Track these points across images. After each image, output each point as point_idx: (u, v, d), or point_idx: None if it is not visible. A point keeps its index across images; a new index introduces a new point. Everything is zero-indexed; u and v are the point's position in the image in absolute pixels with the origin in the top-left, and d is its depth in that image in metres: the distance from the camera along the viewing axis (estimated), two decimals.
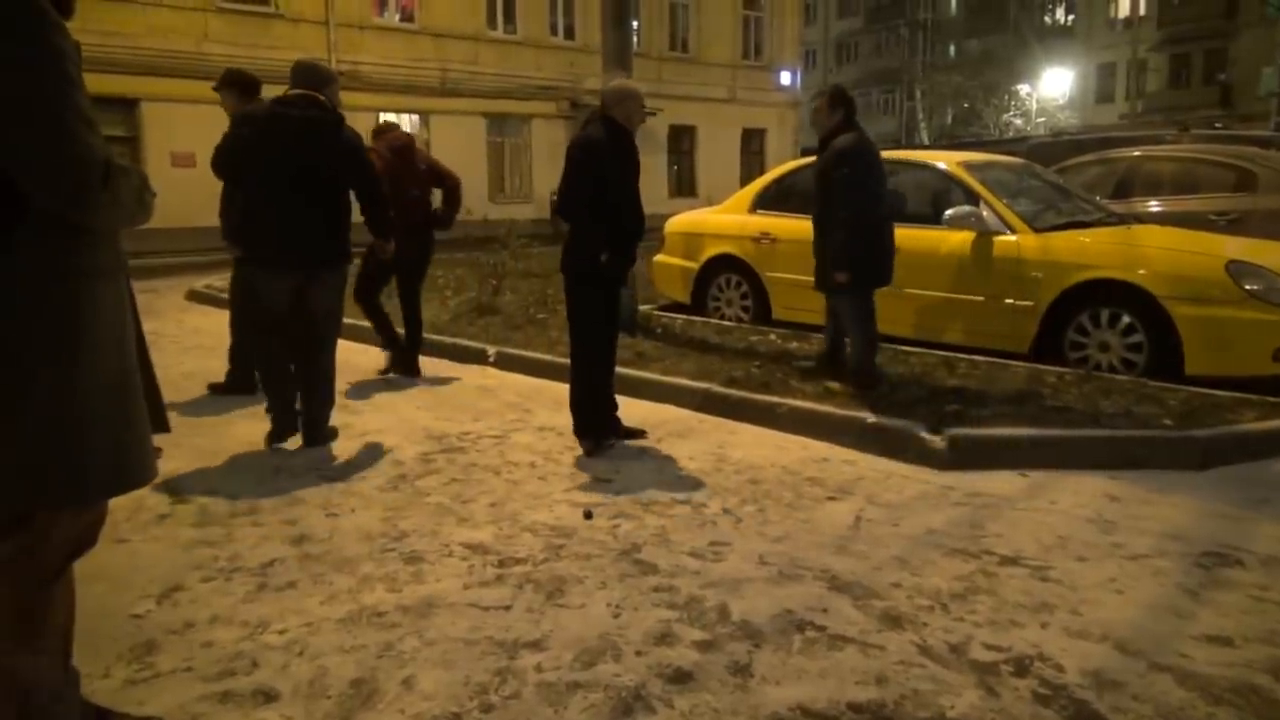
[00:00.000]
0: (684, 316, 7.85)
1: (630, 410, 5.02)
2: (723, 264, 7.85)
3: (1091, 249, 5.98)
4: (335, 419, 4.84)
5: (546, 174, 22.76)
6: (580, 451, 4.55)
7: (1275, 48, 31.54)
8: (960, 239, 6.31)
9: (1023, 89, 42.03)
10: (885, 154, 7.99)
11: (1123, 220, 6.81)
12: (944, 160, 6.97)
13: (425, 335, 6.97)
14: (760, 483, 4.09)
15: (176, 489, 3.99)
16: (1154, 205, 8.12)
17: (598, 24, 7.54)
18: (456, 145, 22.58)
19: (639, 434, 4.79)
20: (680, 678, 2.45)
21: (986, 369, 5.68)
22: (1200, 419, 4.57)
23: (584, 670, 2.49)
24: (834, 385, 5.19)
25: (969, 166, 6.73)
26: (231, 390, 5.66)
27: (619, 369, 5.53)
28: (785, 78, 29.48)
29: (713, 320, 7.73)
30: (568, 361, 4.77)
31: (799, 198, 6.89)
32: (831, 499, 3.90)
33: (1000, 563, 3.22)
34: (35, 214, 1.90)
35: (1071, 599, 2.93)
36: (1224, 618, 2.81)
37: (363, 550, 3.33)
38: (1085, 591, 2.98)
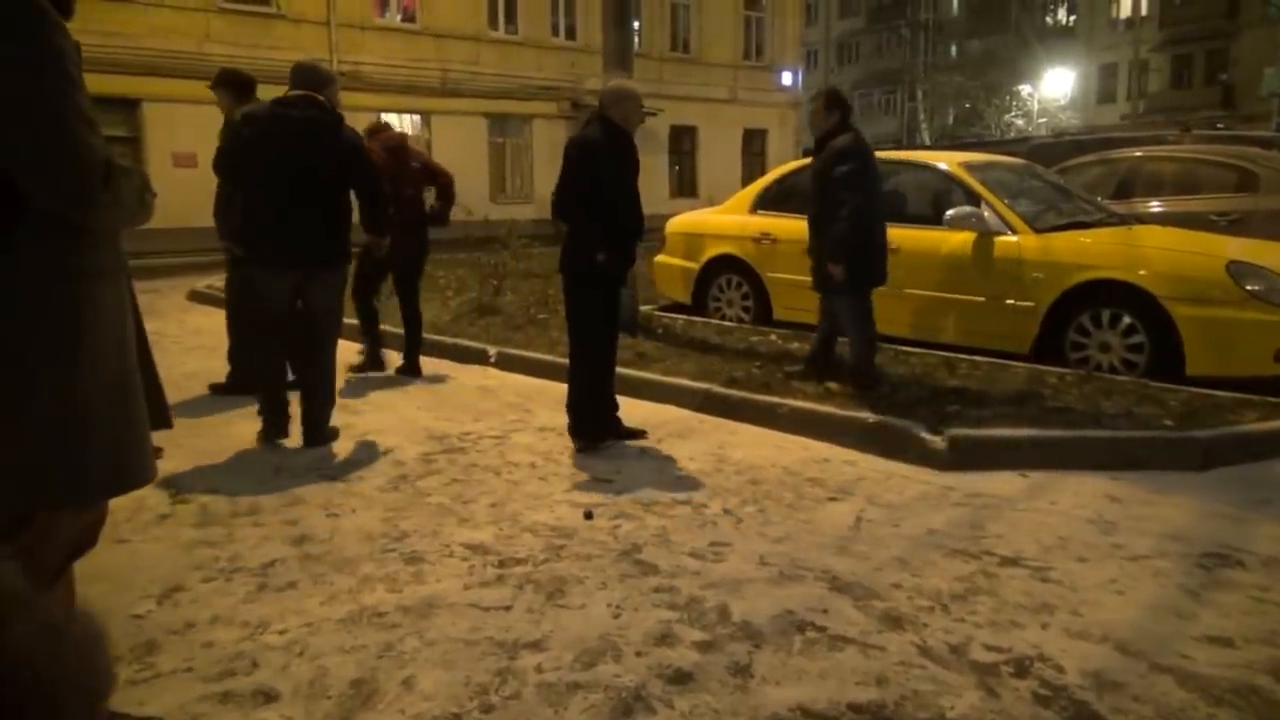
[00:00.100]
0: (685, 317, 7.86)
1: (631, 411, 5.02)
2: (723, 264, 7.86)
3: (1092, 249, 5.98)
4: (336, 419, 4.84)
5: (548, 174, 22.66)
6: (580, 453, 4.55)
7: (1277, 48, 31.48)
8: (961, 239, 6.31)
9: (1024, 89, 41.99)
10: (886, 154, 8.02)
11: (1124, 221, 6.81)
12: (945, 161, 6.98)
13: (427, 336, 6.98)
14: (761, 483, 4.09)
15: (177, 489, 3.99)
16: (1155, 206, 8.12)
17: (599, 24, 7.55)
18: (458, 145, 22.59)
19: (640, 434, 4.79)
20: (680, 678, 2.45)
21: (987, 369, 5.68)
22: (1201, 420, 4.57)
23: (584, 671, 2.49)
24: (834, 386, 5.19)
25: (970, 167, 6.73)
26: (232, 390, 5.66)
27: (620, 369, 5.54)
28: (786, 78, 29.47)
29: (713, 321, 7.73)
30: (567, 361, 4.78)
31: (800, 198, 6.87)
32: (832, 499, 3.90)
33: (1001, 563, 3.22)
34: (36, 214, 1.90)
35: (1072, 600, 2.93)
36: (1225, 619, 2.80)
37: (363, 550, 3.33)
38: (1086, 592, 2.98)
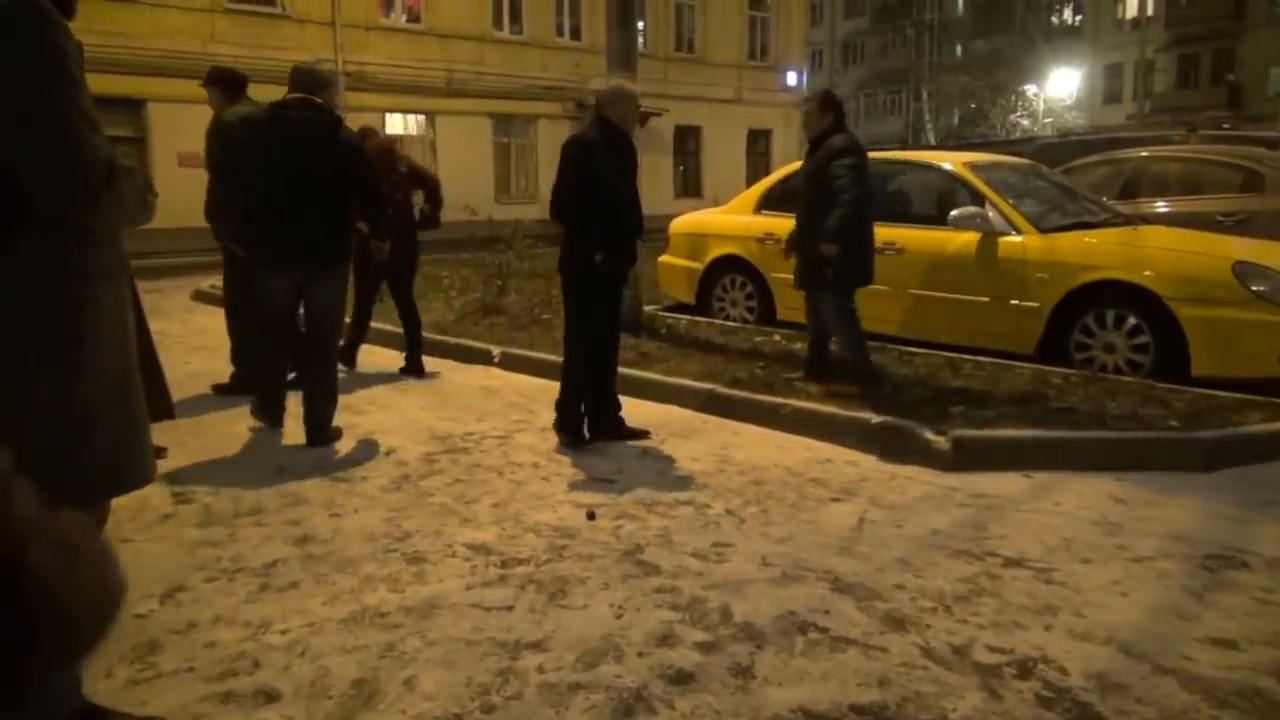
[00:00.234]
0: (688, 317, 7.85)
1: (634, 411, 5.02)
2: (727, 264, 7.85)
3: (1097, 250, 5.96)
4: (339, 419, 4.85)
5: (552, 175, 22.66)
6: (583, 453, 4.55)
7: None
8: (965, 239, 6.29)
9: (1030, 89, 41.92)
10: (890, 155, 8.03)
11: (1129, 221, 6.79)
12: (950, 161, 6.96)
13: (431, 336, 7.01)
14: (764, 483, 4.09)
15: (180, 489, 4.00)
16: (1161, 206, 8.10)
17: (603, 25, 7.54)
18: (462, 146, 22.63)
19: (643, 434, 4.79)
20: (682, 679, 2.44)
21: (991, 370, 5.67)
22: (1206, 420, 4.56)
23: (586, 671, 2.49)
24: (836, 387, 5.18)
25: (975, 167, 6.72)
26: (236, 391, 5.67)
27: (623, 369, 5.54)
28: (791, 78, 29.45)
29: (717, 321, 7.72)
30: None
31: None
32: (835, 500, 3.89)
33: (1004, 564, 3.21)
34: (38, 214, 1.90)
35: (1075, 601, 2.92)
36: (1229, 620, 2.79)
37: (366, 550, 3.33)
38: (1089, 593, 2.97)
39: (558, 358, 6.12)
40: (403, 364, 6.48)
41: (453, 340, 7.11)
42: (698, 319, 7.76)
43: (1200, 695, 2.37)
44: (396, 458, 4.49)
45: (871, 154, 7.73)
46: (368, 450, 4.62)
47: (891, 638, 2.67)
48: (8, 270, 1.89)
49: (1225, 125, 18.10)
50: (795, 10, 30.19)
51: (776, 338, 6.78)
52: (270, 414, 4.89)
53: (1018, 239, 6.10)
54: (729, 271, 7.86)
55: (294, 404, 4.95)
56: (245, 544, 3.40)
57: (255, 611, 2.85)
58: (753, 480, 4.13)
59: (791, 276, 5.66)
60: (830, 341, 5.54)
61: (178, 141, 17.48)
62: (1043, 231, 6.12)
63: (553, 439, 4.77)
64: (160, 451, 4.41)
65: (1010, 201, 6.31)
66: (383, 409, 5.48)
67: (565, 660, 2.54)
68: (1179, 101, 36.94)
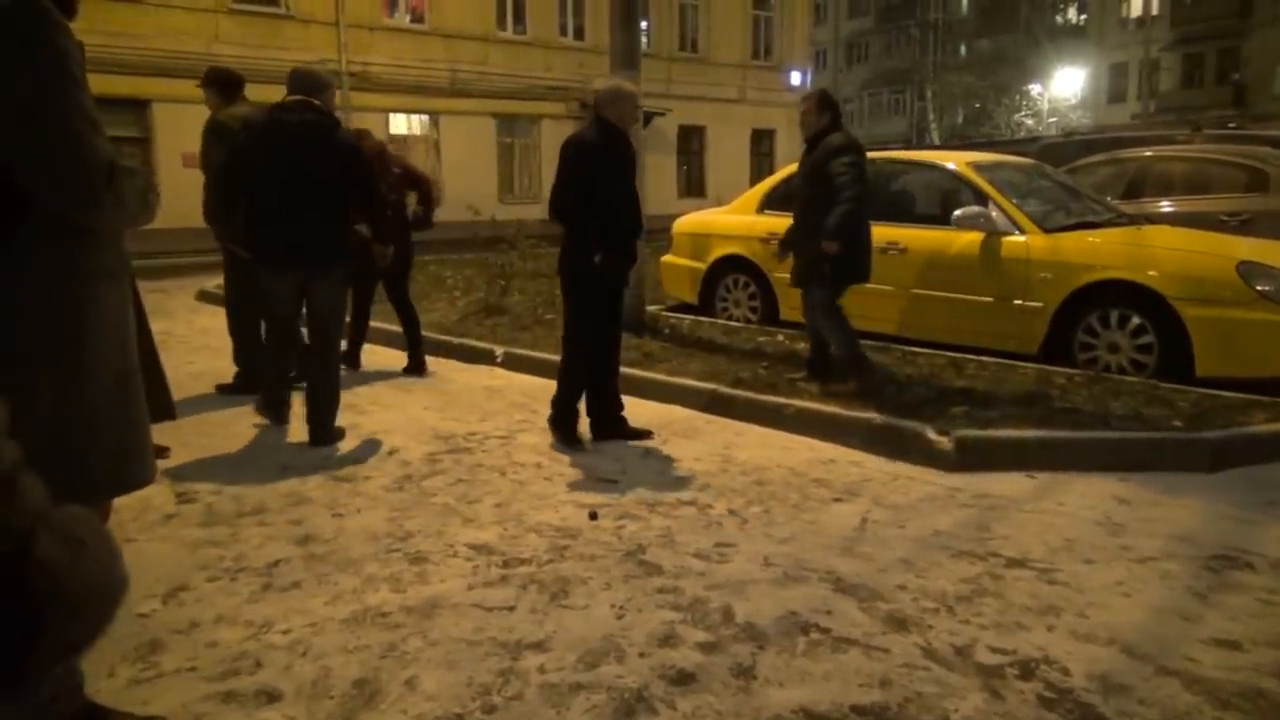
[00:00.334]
0: (691, 317, 7.84)
1: (637, 411, 5.01)
2: (730, 264, 7.84)
3: (1101, 249, 5.95)
4: (343, 418, 4.86)
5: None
6: (586, 453, 4.55)
7: None
8: (969, 239, 6.28)
9: (1034, 89, 41.87)
10: (894, 154, 8.03)
11: (1133, 221, 6.77)
12: (953, 160, 6.95)
13: (434, 336, 7.04)
14: (766, 484, 4.08)
15: (183, 489, 4.01)
16: (1165, 206, 8.08)
17: (607, 25, 7.55)
18: (466, 146, 22.66)
19: (645, 434, 4.79)
20: (683, 679, 2.44)
21: (995, 370, 5.66)
22: (1210, 421, 4.54)
23: (587, 671, 2.49)
24: (837, 387, 5.18)
25: (978, 167, 6.70)
26: (239, 390, 5.68)
27: (626, 369, 5.55)
28: (795, 78, 29.43)
29: (720, 321, 7.72)
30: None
31: None
32: (838, 500, 3.88)
33: (1007, 565, 3.20)
34: (39, 214, 1.91)
35: (1078, 602, 2.91)
36: (1232, 621, 2.78)
37: (368, 550, 3.33)
38: (1092, 594, 2.96)
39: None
40: (405, 364, 6.50)
41: (456, 340, 7.12)
42: (701, 319, 7.76)
43: (1203, 696, 2.36)
44: (399, 457, 4.49)
45: (874, 154, 7.76)
46: (371, 450, 4.62)
47: (893, 638, 2.66)
48: (9, 270, 1.89)
49: (1231, 124, 18.03)
50: (799, 10, 30.18)
51: (780, 338, 6.77)
52: (275, 411, 4.96)
53: (1021, 239, 6.09)
54: (732, 271, 7.86)
55: (297, 403, 4.97)
56: (248, 544, 3.40)
57: (257, 611, 2.85)
58: (755, 480, 4.13)
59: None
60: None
61: (182, 142, 17.50)
62: (1046, 231, 6.11)
63: None
64: (163, 451, 4.46)
65: (1014, 201, 6.30)
66: (386, 409, 5.49)
67: (566, 660, 2.54)
68: (1184, 101, 36.87)
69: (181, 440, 4.64)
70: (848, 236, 5.09)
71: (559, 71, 23.80)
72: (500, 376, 6.37)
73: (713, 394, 5.32)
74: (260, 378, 5.13)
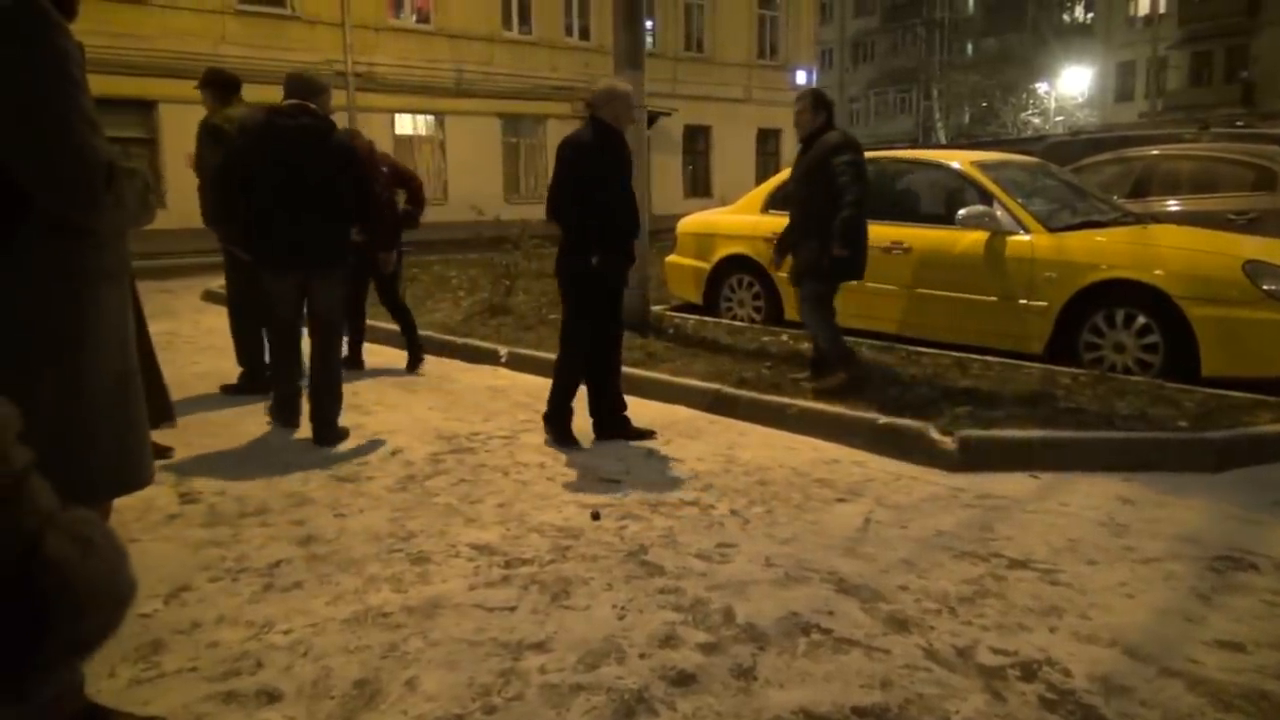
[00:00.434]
0: (696, 317, 7.84)
1: (640, 411, 5.01)
2: (735, 264, 7.83)
3: (1106, 249, 5.92)
4: (346, 418, 4.88)
5: None
6: (588, 453, 4.55)
7: None
8: (973, 239, 6.27)
9: (1041, 87, 41.75)
10: (898, 153, 8.01)
11: (1139, 220, 6.75)
12: (958, 159, 6.93)
13: (438, 336, 7.07)
14: (769, 484, 4.07)
15: (186, 489, 4.02)
16: (1172, 204, 8.05)
17: (612, 25, 7.55)
18: (471, 146, 22.68)
19: (649, 434, 4.78)
20: (683, 680, 2.44)
21: (999, 370, 5.64)
22: (1216, 421, 4.52)
23: (587, 672, 2.48)
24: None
25: (983, 166, 6.69)
26: (243, 391, 5.70)
27: (630, 369, 5.55)
28: (801, 77, 29.38)
29: (724, 321, 7.72)
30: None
31: None
32: (841, 500, 3.88)
33: (1009, 565, 3.19)
34: (40, 215, 1.91)
35: (1081, 603, 2.90)
36: (1236, 623, 2.77)
37: (370, 551, 3.33)
38: (1095, 595, 2.95)
39: None
40: (411, 367, 6.54)
41: (460, 340, 7.12)
42: (705, 319, 7.75)
43: (1206, 698, 2.35)
44: (402, 458, 4.49)
45: (879, 153, 7.75)
46: (374, 450, 4.63)
47: (895, 639, 2.66)
48: (10, 270, 1.90)
49: (1239, 123, 17.96)
50: (805, 9, 30.15)
51: (784, 338, 6.76)
52: (283, 413, 4.99)
53: (1026, 238, 6.07)
54: (736, 271, 7.85)
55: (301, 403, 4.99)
56: (250, 544, 3.41)
57: (259, 611, 2.85)
58: (758, 481, 4.12)
59: None
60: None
61: (188, 143, 17.40)
62: (1051, 230, 6.09)
63: None
64: (167, 451, 4.47)
65: (1018, 200, 6.28)
66: (390, 409, 5.49)
67: (567, 661, 2.54)
68: (1192, 99, 36.71)
69: (185, 440, 4.65)
70: (851, 236, 5.10)
71: (564, 71, 23.80)
72: (504, 376, 6.37)
73: (716, 394, 5.32)
74: (270, 383, 5.17)
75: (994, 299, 6.17)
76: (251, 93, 6.02)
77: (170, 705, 2.33)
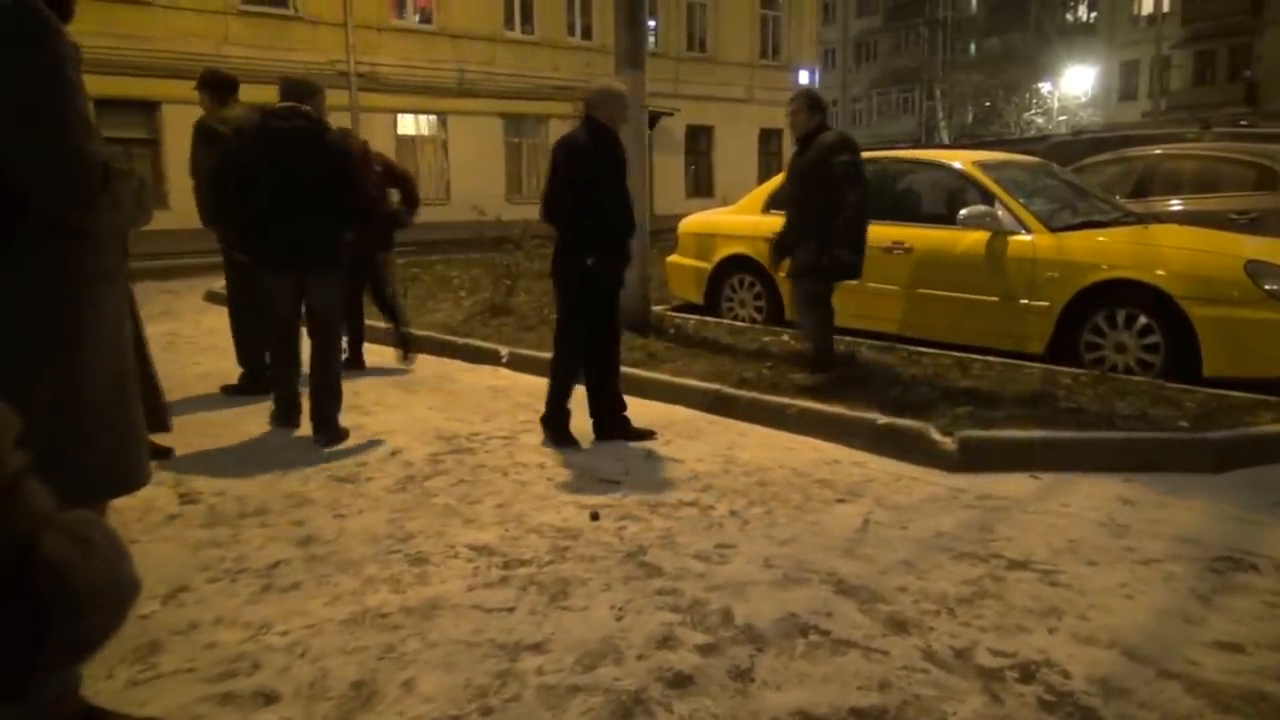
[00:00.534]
0: (697, 317, 7.83)
1: (641, 411, 5.01)
2: (736, 264, 7.83)
3: (1107, 249, 5.91)
4: (347, 419, 4.88)
5: None
6: (588, 453, 4.55)
7: None
8: (975, 239, 6.26)
9: (1044, 87, 41.69)
10: (899, 154, 8.01)
11: (1140, 219, 6.73)
12: (959, 159, 6.92)
13: (440, 336, 7.12)
14: (769, 485, 4.07)
15: (186, 489, 4.02)
16: (1174, 204, 8.04)
17: (613, 24, 7.55)
18: (474, 146, 22.69)
19: (649, 435, 4.78)
20: (680, 682, 2.43)
21: (1001, 370, 5.63)
22: (1217, 421, 4.51)
23: (584, 673, 2.48)
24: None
25: (984, 166, 6.68)
26: (244, 391, 5.70)
27: (631, 369, 5.56)
28: (803, 77, 29.38)
29: (725, 321, 7.71)
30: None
31: None
32: (840, 501, 3.87)
33: (1009, 566, 3.19)
34: (38, 216, 1.92)
35: (1080, 604, 2.89)
36: (1236, 624, 2.76)
37: (368, 552, 3.33)
38: (1095, 596, 2.94)
39: None
40: (404, 357, 6.68)
41: (461, 340, 7.13)
42: (706, 319, 7.75)
43: (1205, 700, 2.34)
44: (402, 458, 4.49)
45: (880, 153, 7.74)
46: (374, 451, 4.63)
47: (893, 640, 2.65)
48: (9, 271, 1.90)
49: (1242, 122, 17.92)
50: (807, 9, 30.14)
51: (785, 338, 6.75)
52: (284, 414, 5.02)
53: (1027, 238, 6.06)
54: (737, 271, 7.84)
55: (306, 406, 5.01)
56: (249, 545, 3.41)
57: (257, 612, 2.85)
58: (758, 481, 4.12)
59: None
60: (834, 341, 5.56)
61: None
62: (1053, 230, 6.08)
63: None
64: (167, 452, 4.47)
65: (1020, 200, 6.27)
66: (390, 409, 5.49)
67: (564, 662, 2.54)
68: (1195, 99, 36.63)
69: (186, 441, 4.66)
70: (854, 237, 5.13)
71: (566, 71, 23.80)
72: (505, 377, 6.37)
73: (716, 394, 5.31)
74: (270, 386, 5.18)
75: (995, 299, 6.16)
76: (255, 93, 6.05)
77: (167, 706, 2.33)
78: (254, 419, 5.15)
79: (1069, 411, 4.70)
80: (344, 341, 6.56)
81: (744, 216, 7.95)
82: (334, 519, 3.68)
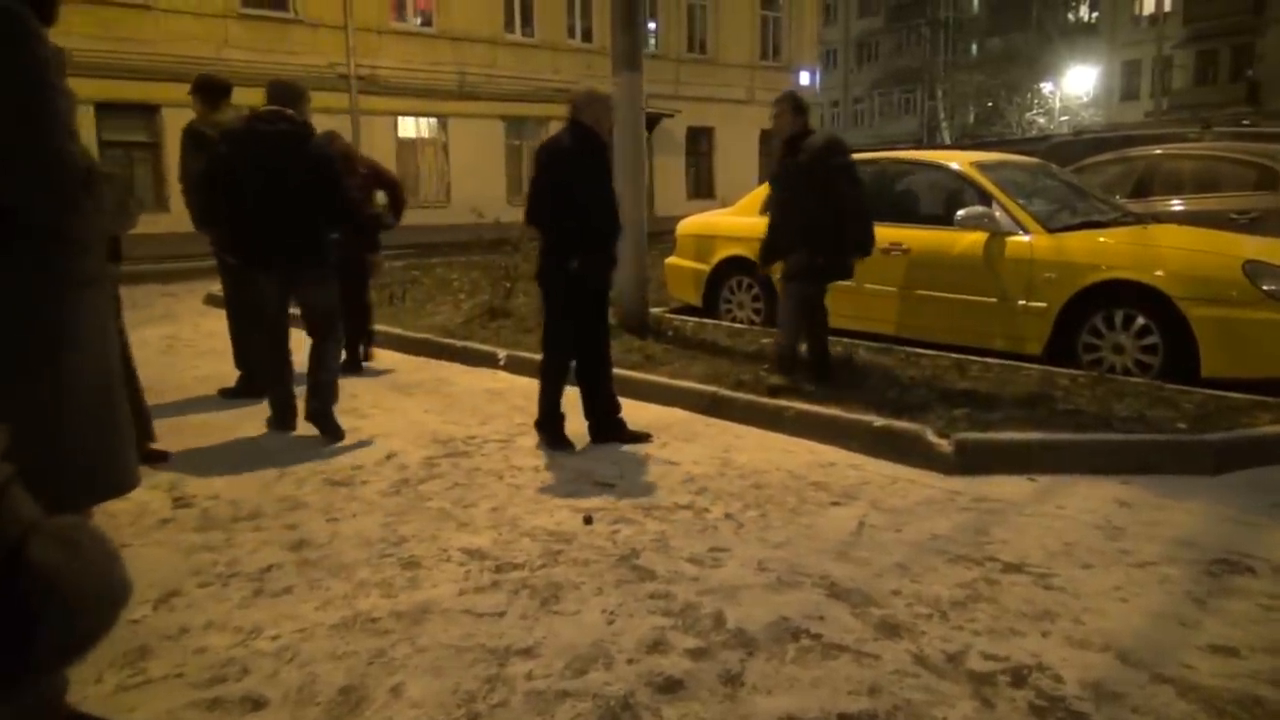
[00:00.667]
0: (695, 319, 7.82)
1: (638, 413, 5.00)
2: (734, 266, 7.81)
3: (1106, 249, 5.89)
4: (344, 422, 4.91)
5: None
6: (583, 456, 4.54)
7: None
8: (972, 240, 6.24)
9: (1046, 87, 41.64)
10: (898, 154, 7.99)
11: (1139, 220, 6.71)
12: (957, 160, 6.91)
13: (438, 339, 7.13)
14: (764, 487, 4.06)
15: (181, 493, 4.01)
16: (1174, 204, 8.01)
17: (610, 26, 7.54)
18: (474, 148, 22.69)
19: (645, 438, 4.77)
20: (670, 686, 2.42)
21: (998, 371, 5.61)
22: (1215, 422, 4.49)
23: (574, 679, 2.47)
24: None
25: (982, 166, 6.66)
26: (242, 394, 5.70)
27: (628, 372, 5.56)
28: (804, 78, 29.36)
29: (724, 323, 7.70)
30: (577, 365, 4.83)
31: None
32: (835, 504, 3.85)
33: (1004, 570, 3.17)
34: (21, 221, 1.91)
35: (1074, 607, 2.87)
36: (1231, 627, 2.74)
37: (361, 556, 3.32)
38: (1089, 599, 2.93)
39: None
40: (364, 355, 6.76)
41: (459, 343, 7.12)
42: (704, 321, 7.73)
43: (1198, 704, 2.33)
44: (397, 461, 4.49)
45: (878, 154, 7.73)
46: (369, 454, 4.62)
47: (885, 644, 2.64)
48: None
49: (1245, 122, 17.89)
50: (808, 10, 30.13)
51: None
52: (280, 417, 5.04)
53: (1025, 239, 6.05)
54: (736, 273, 7.83)
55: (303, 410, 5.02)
56: (241, 549, 3.40)
57: (247, 617, 2.84)
58: (753, 484, 4.10)
59: None
60: (828, 342, 5.56)
61: None
62: (1050, 231, 6.06)
63: None
64: (164, 456, 4.47)
65: (1018, 201, 6.26)
66: (387, 412, 5.49)
67: (554, 667, 2.52)
68: (1197, 98, 36.56)
69: (182, 444, 4.66)
70: (865, 238, 5.15)
71: (567, 73, 23.75)
72: (503, 379, 6.36)
73: (713, 396, 5.30)
74: (265, 390, 5.18)
75: (993, 300, 6.15)
76: (256, 97, 6.04)
77: (155, 712, 2.32)
78: (250, 422, 5.15)
79: (1066, 413, 4.69)
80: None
81: (742, 218, 7.93)
82: (327, 523, 3.67)
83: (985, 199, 6.30)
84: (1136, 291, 5.52)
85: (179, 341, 8.01)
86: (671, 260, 8.57)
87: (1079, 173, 8.60)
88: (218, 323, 8.89)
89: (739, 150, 28.41)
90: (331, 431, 4.81)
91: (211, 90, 5.72)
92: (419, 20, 22.20)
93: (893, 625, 2.75)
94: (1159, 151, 8.95)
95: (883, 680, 2.44)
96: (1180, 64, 39.18)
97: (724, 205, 10.85)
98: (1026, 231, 6.07)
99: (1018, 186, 6.52)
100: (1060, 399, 4.95)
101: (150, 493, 3.95)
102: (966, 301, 6.27)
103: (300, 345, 5.08)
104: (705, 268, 8.06)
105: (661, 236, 9.91)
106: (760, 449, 4.64)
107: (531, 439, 4.82)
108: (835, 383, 5.32)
